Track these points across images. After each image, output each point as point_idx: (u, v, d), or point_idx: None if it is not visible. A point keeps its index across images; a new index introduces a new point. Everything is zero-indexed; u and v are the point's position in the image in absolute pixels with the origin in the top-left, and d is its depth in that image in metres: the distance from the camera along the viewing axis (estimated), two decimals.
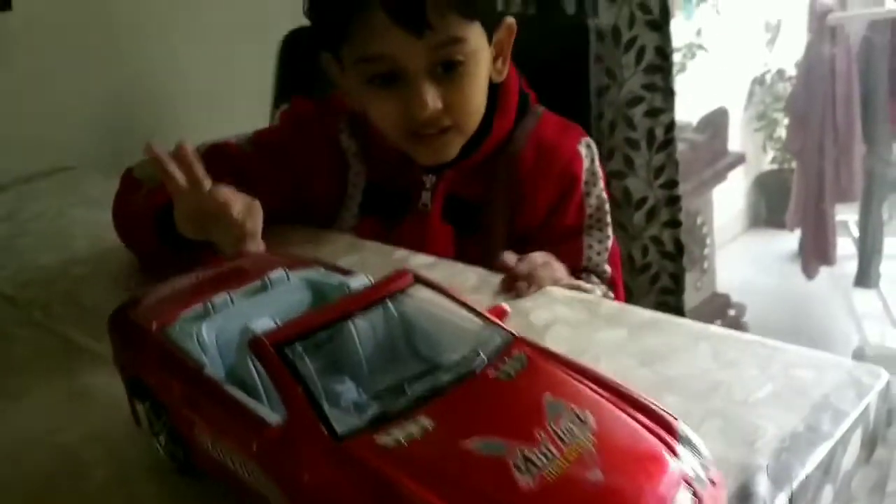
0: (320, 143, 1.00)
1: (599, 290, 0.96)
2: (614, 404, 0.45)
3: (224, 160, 0.96)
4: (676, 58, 2.68)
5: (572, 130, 1.02)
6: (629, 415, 0.44)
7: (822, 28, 2.35)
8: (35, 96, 1.31)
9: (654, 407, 0.45)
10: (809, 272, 2.64)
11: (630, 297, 1.90)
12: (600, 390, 0.46)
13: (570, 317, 0.71)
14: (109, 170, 1.30)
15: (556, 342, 0.66)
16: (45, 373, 0.71)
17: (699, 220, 2.63)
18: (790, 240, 3.19)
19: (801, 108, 2.56)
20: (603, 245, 1.00)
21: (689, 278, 2.34)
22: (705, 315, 2.68)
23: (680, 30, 2.77)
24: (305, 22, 0.95)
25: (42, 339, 0.77)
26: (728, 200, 3.23)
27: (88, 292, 0.86)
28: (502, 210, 0.98)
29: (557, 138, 1.00)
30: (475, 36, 0.91)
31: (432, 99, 0.89)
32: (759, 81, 3.54)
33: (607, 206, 1.02)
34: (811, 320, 2.88)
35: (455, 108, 0.91)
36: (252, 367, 0.48)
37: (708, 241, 2.72)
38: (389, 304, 0.53)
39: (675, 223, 1.82)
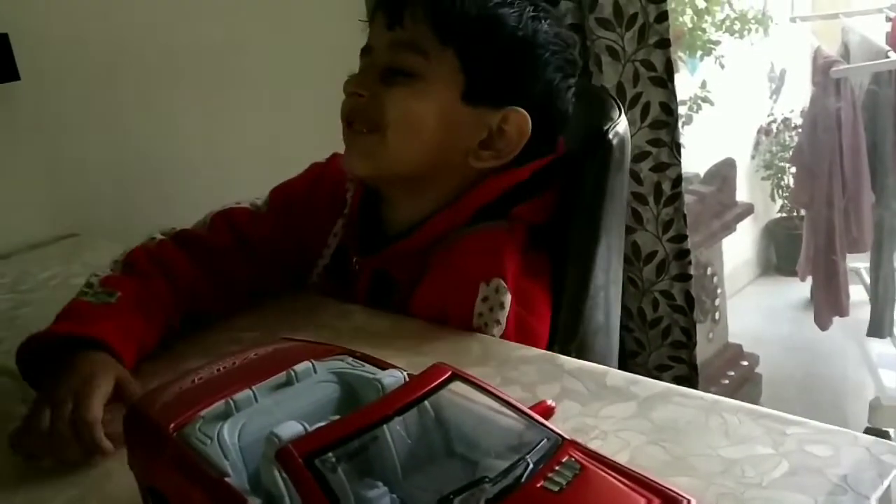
0: (328, 201, 1.00)
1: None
2: None
3: (227, 227, 0.96)
4: (682, 110, 2.69)
5: (490, 265, 0.85)
6: None
7: (825, 81, 2.36)
8: (41, 164, 1.32)
9: None
10: (822, 323, 2.61)
11: (642, 352, 1.89)
12: (653, 498, 0.43)
13: (578, 389, 0.70)
14: (114, 237, 1.31)
15: (564, 418, 0.65)
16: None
17: (709, 271, 2.62)
18: (801, 288, 3.16)
19: (808, 160, 2.56)
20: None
21: (701, 329, 2.32)
22: (718, 367, 2.65)
23: (685, 83, 2.79)
24: (306, 88, 0.96)
25: None
26: (737, 249, 3.22)
27: None
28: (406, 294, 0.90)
29: (467, 259, 0.87)
30: (444, 64, 0.86)
31: (358, 83, 0.88)
32: (765, 131, 3.55)
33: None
34: (825, 370, 2.84)
35: (379, 106, 0.86)
36: (278, 477, 0.44)
37: (719, 291, 2.70)
38: (425, 401, 0.49)
39: (685, 276, 1.81)
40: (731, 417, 0.63)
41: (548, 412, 0.50)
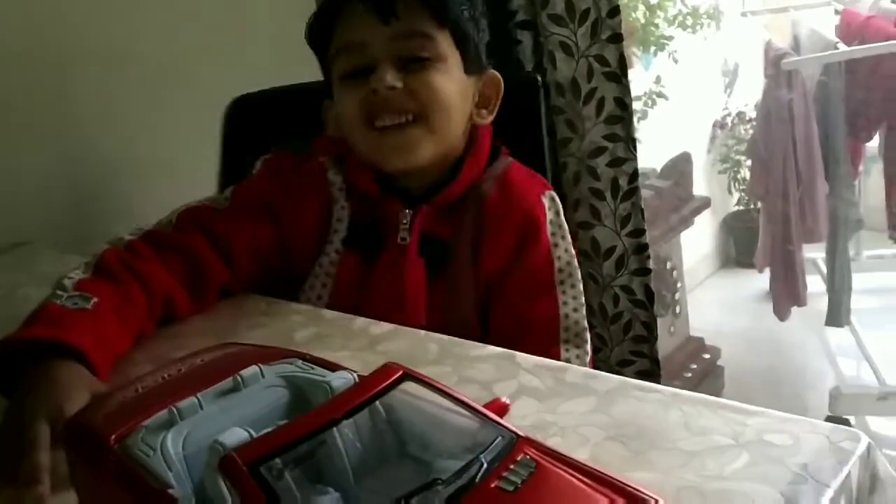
0: (306, 182, 1.00)
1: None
2: None
3: (195, 225, 0.94)
4: (637, 106, 2.71)
5: (538, 180, 1.04)
6: None
7: (777, 73, 2.38)
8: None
9: None
10: (781, 314, 2.64)
11: (604, 347, 1.89)
12: (616, 497, 0.42)
13: (536, 386, 0.68)
14: (66, 245, 1.28)
15: (521, 415, 0.64)
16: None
17: (669, 265, 2.64)
18: (760, 280, 3.20)
19: (763, 152, 2.58)
20: (578, 301, 0.99)
21: (662, 323, 2.33)
22: (680, 360, 2.66)
23: (639, 78, 2.81)
24: (251, 89, 0.95)
25: None
26: (696, 242, 3.24)
27: None
28: (467, 251, 0.97)
29: (522, 184, 1.01)
30: (445, 43, 0.95)
31: (392, 76, 0.92)
32: (720, 125, 3.59)
33: (576, 263, 1.01)
34: (786, 360, 2.88)
35: (420, 95, 0.93)
36: (223, 486, 0.42)
37: (679, 285, 2.72)
38: (376, 402, 0.48)
39: (644, 271, 1.81)
40: (690, 410, 0.62)
41: (502, 410, 0.48)
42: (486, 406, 0.48)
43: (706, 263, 3.61)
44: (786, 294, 2.57)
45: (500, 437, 0.45)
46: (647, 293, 1.83)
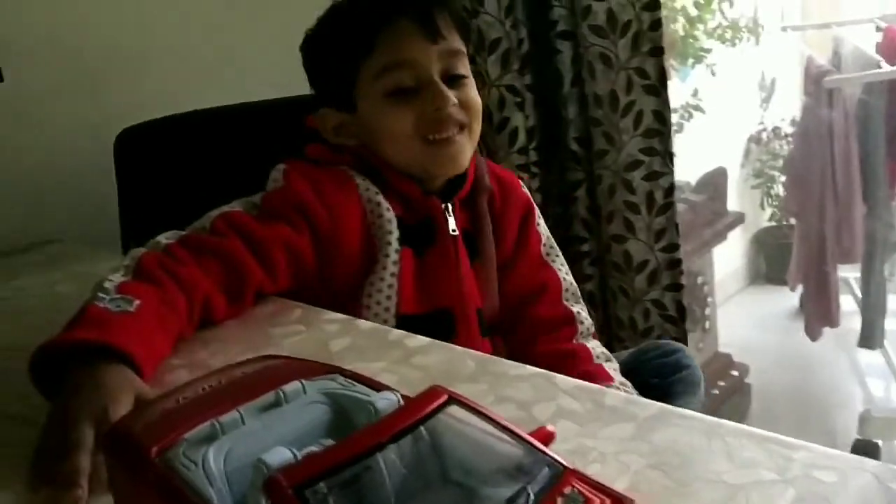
0: (338, 188, 1.00)
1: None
2: None
3: (232, 229, 0.93)
4: (674, 118, 2.68)
5: (510, 171, 1.21)
6: None
7: (818, 91, 2.35)
8: (24, 167, 1.29)
9: None
10: (812, 334, 2.60)
11: None
12: None
13: (575, 409, 0.68)
14: (97, 242, 1.29)
15: (561, 438, 0.63)
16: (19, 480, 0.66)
17: (700, 280, 2.61)
18: (790, 297, 3.17)
19: (800, 169, 2.55)
20: (565, 267, 1.14)
21: (691, 339, 2.31)
22: (708, 376, 2.62)
23: (676, 91, 2.79)
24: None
25: (20, 433, 0.73)
26: (727, 257, 3.22)
27: None
28: (490, 238, 1.08)
29: (508, 176, 1.16)
30: (467, 60, 1.06)
31: (452, 94, 1.00)
32: (756, 139, 3.56)
33: (550, 235, 1.17)
34: (815, 380, 2.84)
35: (468, 107, 1.02)
36: None
37: (709, 300, 2.69)
38: (421, 427, 0.47)
39: (677, 286, 1.80)
40: (733, 441, 0.61)
41: (548, 438, 0.47)
42: (531, 434, 0.47)
43: (736, 278, 3.58)
44: (818, 314, 2.53)
45: (546, 468, 0.44)
46: (678, 309, 1.82)
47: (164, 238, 0.91)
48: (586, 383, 0.72)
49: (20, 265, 1.21)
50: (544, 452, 0.45)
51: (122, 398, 0.66)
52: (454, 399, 0.47)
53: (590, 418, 0.66)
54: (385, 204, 1.01)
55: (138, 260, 0.86)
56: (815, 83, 2.36)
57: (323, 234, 0.97)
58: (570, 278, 1.13)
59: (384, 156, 1.04)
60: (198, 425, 0.49)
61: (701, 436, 0.62)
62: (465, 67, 1.04)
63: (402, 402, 0.49)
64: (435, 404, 0.46)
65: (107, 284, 0.80)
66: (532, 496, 0.42)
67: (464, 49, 1.05)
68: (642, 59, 1.64)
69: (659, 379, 1.11)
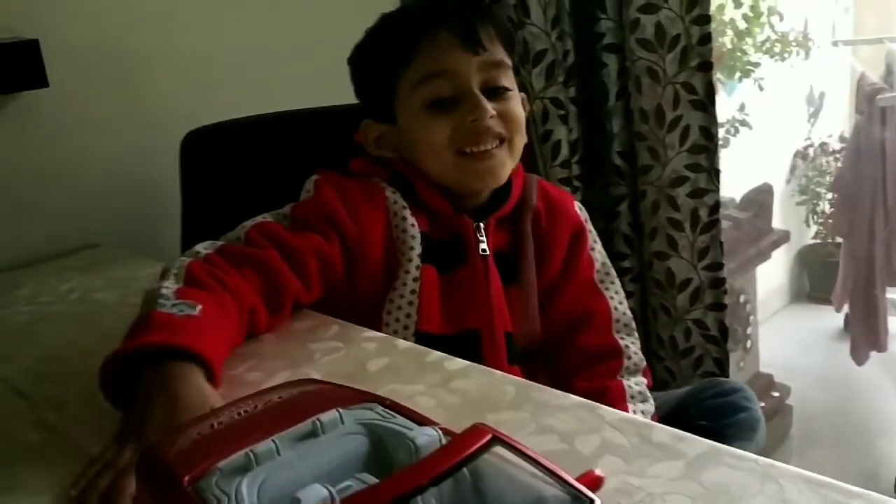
0: (368, 201, 0.99)
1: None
2: None
3: (267, 240, 0.92)
4: (720, 133, 2.64)
5: (565, 191, 1.16)
6: None
7: (871, 109, 2.29)
8: (65, 172, 1.30)
9: None
10: (859, 358, 2.54)
11: (672, 382, 1.84)
12: None
13: (621, 443, 0.65)
14: (132, 248, 1.29)
15: (607, 474, 0.60)
16: (54, 487, 0.65)
17: (742, 299, 2.56)
18: (834, 317, 3.09)
19: (850, 188, 2.49)
20: (620, 295, 1.09)
21: (732, 358, 2.26)
22: None
23: (721, 105, 2.74)
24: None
25: (54, 446, 0.72)
26: (768, 274, 3.15)
27: None
28: (529, 260, 1.04)
29: (560, 196, 1.11)
30: (511, 70, 1.03)
31: (489, 106, 0.98)
32: (802, 155, 3.49)
33: (609, 262, 1.11)
34: (858, 404, 2.77)
35: (508, 120, 1.00)
36: None
37: (751, 319, 2.64)
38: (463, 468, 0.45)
39: (719, 306, 1.76)
40: (788, 485, 0.58)
41: (596, 483, 0.45)
42: (579, 479, 0.45)
43: (777, 296, 3.51)
44: (865, 338, 2.47)
45: None
46: (720, 329, 1.78)
47: (202, 248, 0.91)
48: (632, 416, 0.70)
49: (60, 270, 1.22)
50: (592, 500, 0.43)
51: (197, 411, 0.64)
52: (498, 439, 0.45)
53: (636, 454, 0.63)
54: (410, 219, 0.99)
55: (187, 268, 0.85)
56: (868, 101, 2.30)
57: (350, 244, 0.96)
58: (623, 307, 1.08)
59: (421, 168, 1.02)
60: (232, 454, 0.48)
61: (754, 478, 0.59)
62: (507, 80, 1.02)
63: (443, 438, 0.47)
64: (478, 444, 0.44)
65: (164, 291, 0.80)
66: None
67: (507, 61, 1.02)
68: (690, 74, 1.61)
69: (711, 421, 1.04)
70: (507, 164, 1.01)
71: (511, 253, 1.04)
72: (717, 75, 2.66)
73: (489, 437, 0.45)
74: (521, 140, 1.02)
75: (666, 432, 0.66)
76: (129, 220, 1.36)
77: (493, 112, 0.98)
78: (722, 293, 1.75)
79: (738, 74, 2.76)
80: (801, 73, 3.24)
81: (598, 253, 1.10)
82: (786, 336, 3.22)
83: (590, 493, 0.43)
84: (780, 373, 2.73)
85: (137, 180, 1.37)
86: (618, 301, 1.08)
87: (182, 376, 0.69)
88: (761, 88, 2.83)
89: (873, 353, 2.55)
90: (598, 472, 0.46)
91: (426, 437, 0.47)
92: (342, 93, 1.09)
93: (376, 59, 1.03)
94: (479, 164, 0.99)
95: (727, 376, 1.81)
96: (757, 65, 2.78)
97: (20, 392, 0.83)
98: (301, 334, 0.90)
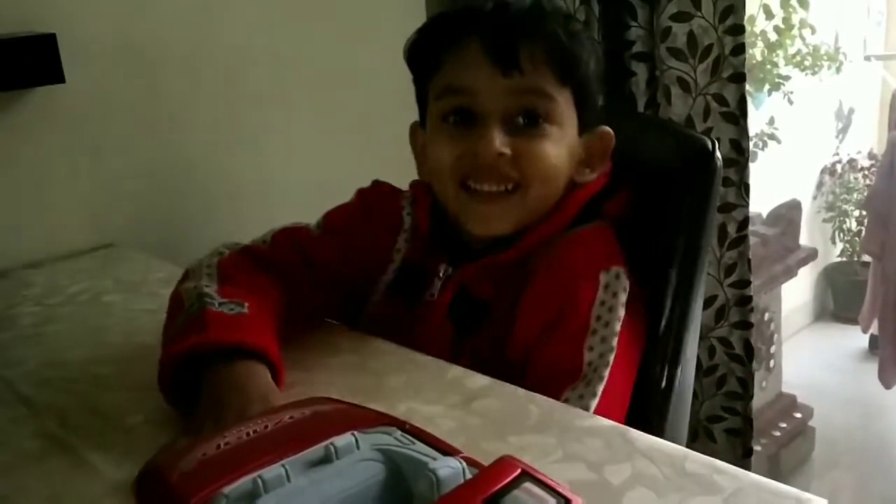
0: (386, 220, 0.96)
1: None
2: None
3: (293, 245, 0.92)
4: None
5: (607, 253, 0.86)
6: None
7: None
8: (81, 168, 1.27)
9: None
10: (887, 381, 2.47)
11: (694, 400, 1.79)
12: None
13: (653, 474, 0.61)
14: (147, 248, 1.26)
15: None
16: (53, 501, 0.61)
17: (766, 317, 2.50)
18: (859, 337, 3.02)
19: (881, 207, 2.43)
20: (584, 402, 0.78)
21: (755, 377, 2.20)
22: (770, 417, 2.52)
23: (750, 118, 2.69)
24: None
25: (53, 456, 0.69)
26: (793, 292, 3.09)
27: (112, 399, 0.78)
28: (506, 314, 0.85)
29: (583, 255, 0.85)
30: (564, 104, 0.86)
31: (500, 142, 0.83)
32: (830, 171, 3.42)
33: (611, 358, 0.80)
34: (883, 427, 2.70)
35: (526, 162, 0.84)
36: None
37: (775, 338, 2.58)
38: None
39: (745, 324, 1.71)
40: None
41: None
42: None
43: (801, 314, 3.44)
44: (894, 360, 2.40)
45: None
46: (746, 348, 1.73)
47: (225, 248, 0.90)
48: (665, 442, 0.65)
49: (71, 270, 1.19)
50: None
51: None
52: (528, 474, 0.41)
53: (669, 487, 0.59)
54: (399, 245, 0.95)
55: (219, 267, 0.84)
56: None
57: (359, 257, 0.94)
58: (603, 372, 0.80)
59: (435, 192, 0.91)
60: (239, 478, 0.45)
61: None
62: (544, 111, 0.84)
63: (467, 471, 0.44)
64: (506, 480, 0.40)
65: (205, 289, 0.78)
66: None
67: (551, 91, 0.84)
68: (722, 85, 1.57)
69: None
70: (512, 215, 0.86)
71: (490, 303, 0.87)
72: (746, 87, 2.60)
73: (518, 471, 0.41)
74: (542, 189, 0.85)
75: (701, 462, 0.62)
76: (143, 219, 1.33)
77: (506, 150, 0.83)
78: (748, 311, 1.70)
79: (767, 87, 2.71)
80: (831, 87, 3.17)
81: (599, 340, 0.81)
82: (809, 356, 3.15)
83: None
84: (803, 393, 2.67)
85: (153, 179, 1.34)
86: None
87: (255, 374, 0.69)
88: (791, 102, 2.77)
89: None
90: None
91: (449, 469, 0.44)
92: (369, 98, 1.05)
93: (413, 61, 0.93)
94: (478, 207, 0.86)
95: (751, 396, 1.76)
96: (787, 78, 2.73)
97: (22, 396, 0.80)
98: (316, 344, 0.86)
